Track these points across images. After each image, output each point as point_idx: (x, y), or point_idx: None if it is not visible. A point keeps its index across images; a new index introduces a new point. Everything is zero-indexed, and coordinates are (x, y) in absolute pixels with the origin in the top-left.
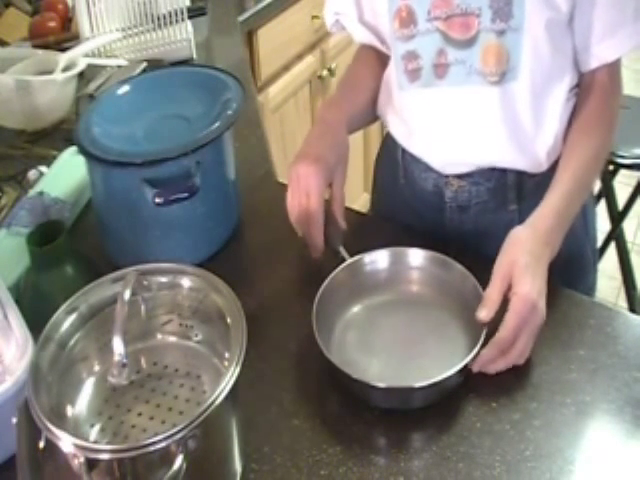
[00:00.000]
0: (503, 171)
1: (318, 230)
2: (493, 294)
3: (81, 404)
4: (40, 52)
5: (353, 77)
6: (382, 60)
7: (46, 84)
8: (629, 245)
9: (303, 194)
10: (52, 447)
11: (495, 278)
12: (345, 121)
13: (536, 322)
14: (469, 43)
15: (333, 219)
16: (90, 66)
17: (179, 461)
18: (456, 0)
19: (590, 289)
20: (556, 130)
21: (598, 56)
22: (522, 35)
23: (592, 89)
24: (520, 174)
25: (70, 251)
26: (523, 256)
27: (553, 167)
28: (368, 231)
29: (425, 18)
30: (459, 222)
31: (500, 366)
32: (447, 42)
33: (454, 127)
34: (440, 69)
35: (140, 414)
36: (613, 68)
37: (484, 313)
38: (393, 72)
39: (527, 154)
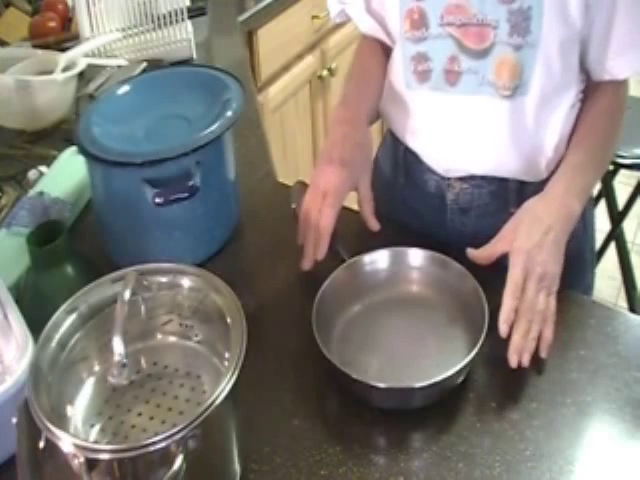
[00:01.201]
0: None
1: (324, 236)
2: (487, 248)
3: (81, 404)
4: (40, 52)
5: (363, 71)
6: (387, 52)
7: (46, 84)
8: (629, 245)
9: (320, 196)
10: (52, 447)
11: (494, 240)
12: (365, 117)
13: (537, 271)
14: (483, 54)
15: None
16: (90, 66)
17: (179, 461)
18: (473, 9)
19: (588, 289)
20: (557, 141)
21: (611, 72)
22: (537, 51)
23: (599, 93)
24: (521, 181)
25: (70, 251)
26: (524, 220)
27: (553, 173)
28: (368, 231)
29: (438, 22)
30: (460, 224)
31: (522, 326)
32: (461, 50)
33: (458, 134)
34: (452, 76)
35: (140, 414)
36: (623, 81)
37: (474, 254)
38: (400, 71)
39: (527, 165)
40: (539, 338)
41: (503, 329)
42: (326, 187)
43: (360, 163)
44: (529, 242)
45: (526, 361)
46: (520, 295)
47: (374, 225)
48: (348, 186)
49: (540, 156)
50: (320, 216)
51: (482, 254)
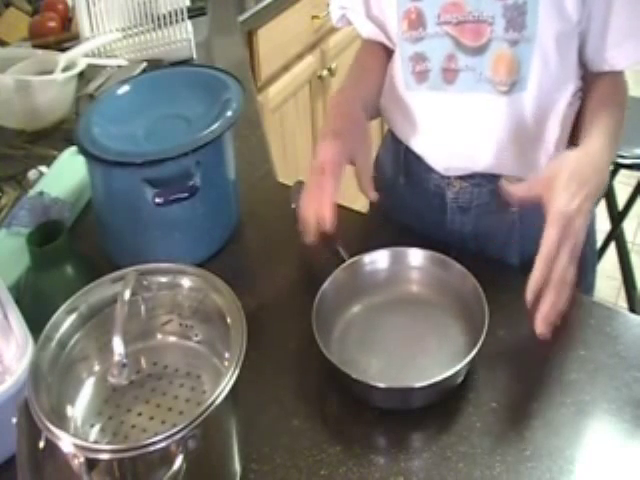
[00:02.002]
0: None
1: (328, 207)
2: (524, 184)
3: (81, 404)
4: (40, 52)
5: (361, 67)
6: (388, 52)
7: (46, 84)
8: (629, 245)
9: (319, 170)
10: (52, 447)
11: (533, 178)
12: (360, 100)
13: (571, 241)
14: (480, 50)
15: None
16: (90, 66)
17: (179, 461)
18: (468, 7)
19: (589, 289)
20: (557, 137)
21: (610, 62)
22: (533, 46)
23: (599, 82)
24: (521, 179)
25: (70, 251)
26: (566, 172)
27: None
28: (368, 231)
29: (435, 22)
30: (460, 223)
31: (551, 297)
32: (458, 47)
33: (458, 132)
34: (449, 74)
35: (140, 414)
36: (620, 73)
37: (509, 187)
38: (399, 71)
39: (528, 162)
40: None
41: (530, 298)
42: (323, 160)
43: (355, 135)
44: (571, 204)
45: (547, 332)
46: (551, 264)
47: (372, 196)
48: (344, 156)
49: (540, 152)
50: (322, 189)
51: (518, 189)
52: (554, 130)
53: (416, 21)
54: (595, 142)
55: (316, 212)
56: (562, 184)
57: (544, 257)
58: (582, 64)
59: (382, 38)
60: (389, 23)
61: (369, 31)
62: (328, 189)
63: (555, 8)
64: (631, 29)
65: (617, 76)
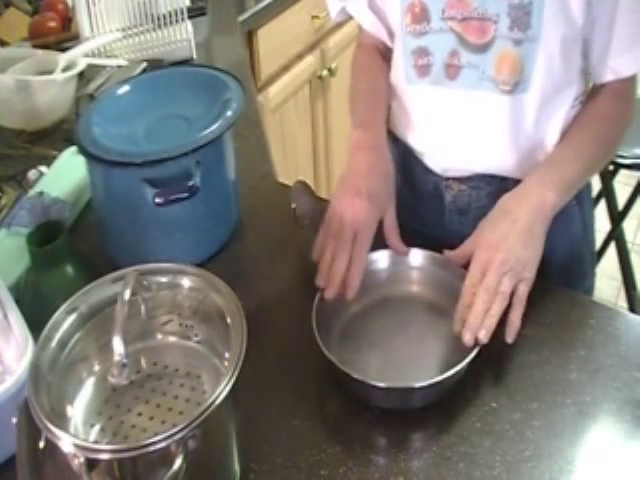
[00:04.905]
0: (503, 177)
1: (356, 277)
2: (460, 248)
3: (81, 404)
4: (40, 52)
5: (372, 86)
6: (386, 58)
7: (46, 84)
8: (629, 245)
9: (349, 232)
10: (52, 447)
11: (468, 239)
12: (385, 139)
13: (499, 257)
14: (484, 48)
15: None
16: (90, 66)
17: (179, 461)
18: (474, 3)
19: (588, 292)
20: (556, 140)
21: (614, 70)
22: (538, 46)
23: (600, 96)
24: (520, 180)
25: (70, 251)
26: (492, 215)
27: None
28: None
29: (439, 17)
30: (459, 225)
31: (477, 306)
32: (461, 44)
33: (457, 130)
34: (452, 70)
35: (140, 414)
36: (628, 83)
37: (449, 255)
38: (400, 64)
39: (527, 164)
40: (507, 323)
41: (457, 328)
42: (355, 223)
43: (386, 194)
44: (493, 235)
45: (483, 336)
46: (476, 286)
47: (403, 252)
48: (376, 222)
49: (540, 155)
50: (353, 259)
51: (456, 255)
52: (555, 134)
53: (420, 15)
54: (533, 178)
55: (345, 277)
56: (487, 226)
57: (465, 286)
58: (586, 73)
59: (382, 32)
60: (391, 15)
61: (370, 23)
62: (358, 259)
63: (560, 10)
64: (635, 37)
65: (619, 94)
